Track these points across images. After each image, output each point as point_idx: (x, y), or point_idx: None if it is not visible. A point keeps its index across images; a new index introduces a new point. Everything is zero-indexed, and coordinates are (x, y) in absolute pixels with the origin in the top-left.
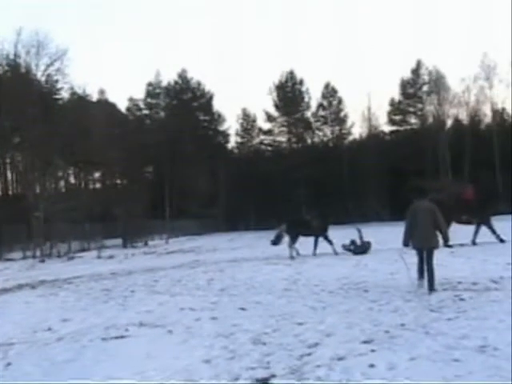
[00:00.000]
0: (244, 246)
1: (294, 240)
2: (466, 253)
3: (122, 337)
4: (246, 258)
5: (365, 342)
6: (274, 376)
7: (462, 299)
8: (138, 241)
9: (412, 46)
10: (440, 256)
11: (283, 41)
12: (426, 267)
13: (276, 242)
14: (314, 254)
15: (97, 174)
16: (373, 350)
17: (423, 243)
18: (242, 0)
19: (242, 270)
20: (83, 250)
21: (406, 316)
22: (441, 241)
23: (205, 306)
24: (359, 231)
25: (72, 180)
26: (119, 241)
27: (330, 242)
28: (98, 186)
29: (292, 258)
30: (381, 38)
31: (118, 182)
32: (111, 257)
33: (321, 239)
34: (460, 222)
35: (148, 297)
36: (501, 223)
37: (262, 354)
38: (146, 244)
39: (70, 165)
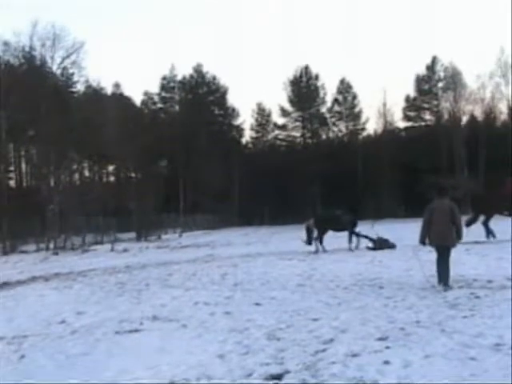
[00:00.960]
0: (258, 240)
1: (322, 235)
2: (481, 250)
3: (135, 331)
4: (260, 253)
5: (379, 339)
6: (287, 372)
7: (477, 297)
8: (151, 234)
9: (428, 41)
10: (455, 253)
11: (299, 36)
12: (441, 264)
13: (309, 240)
14: (351, 249)
15: (111, 168)
16: (387, 347)
17: (441, 241)
18: None
19: (256, 264)
20: (97, 243)
21: (421, 313)
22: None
23: (219, 300)
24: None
25: (86, 173)
26: (133, 234)
27: (358, 237)
28: (111, 179)
29: (316, 252)
30: (396, 34)
31: (132, 175)
32: (125, 250)
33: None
34: (502, 214)
35: (162, 291)
36: None
37: (276, 350)
38: (159, 238)
39: (84, 158)
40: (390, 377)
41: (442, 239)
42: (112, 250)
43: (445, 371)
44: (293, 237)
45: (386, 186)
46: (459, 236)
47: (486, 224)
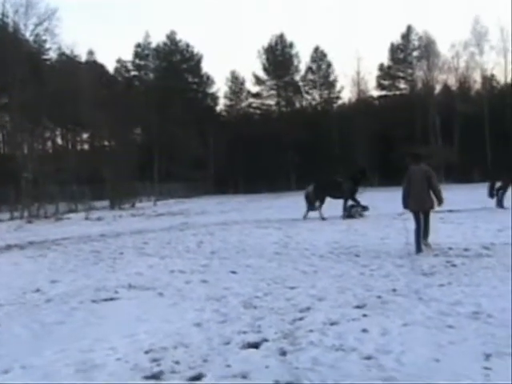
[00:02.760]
0: (233, 209)
1: (321, 202)
2: (455, 219)
3: (111, 299)
4: (236, 222)
5: (357, 307)
6: (265, 340)
7: (453, 265)
8: (125, 203)
9: (402, 10)
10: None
11: (273, 3)
12: (423, 226)
13: (310, 207)
14: (343, 218)
15: (85, 136)
16: (365, 315)
17: (419, 205)
18: None
19: (231, 233)
20: (71, 211)
21: (397, 281)
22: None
23: (195, 268)
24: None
25: (59, 141)
26: (107, 203)
27: (358, 204)
28: (85, 147)
29: (305, 218)
30: (371, 2)
31: (106, 143)
32: (99, 218)
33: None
34: None
35: (137, 259)
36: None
37: (253, 318)
38: (133, 206)
39: (57, 126)
40: (368, 345)
41: (420, 204)
42: (86, 218)
43: (423, 339)
44: (267, 205)
45: (361, 155)
46: (439, 199)
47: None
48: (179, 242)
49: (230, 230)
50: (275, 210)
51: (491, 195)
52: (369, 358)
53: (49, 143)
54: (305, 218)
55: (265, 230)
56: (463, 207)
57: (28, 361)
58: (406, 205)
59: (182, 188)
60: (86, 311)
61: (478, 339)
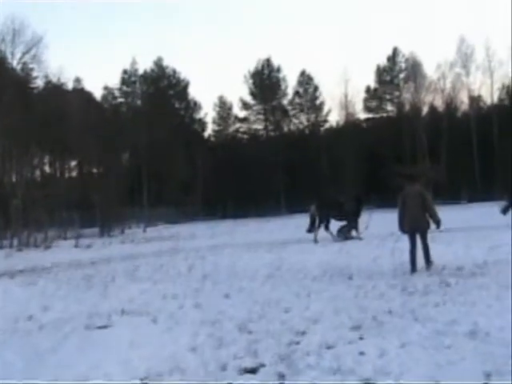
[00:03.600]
0: (223, 233)
1: (323, 223)
2: (446, 238)
3: (104, 325)
4: (226, 245)
5: (353, 329)
6: (263, 365)
7: (447, 285)
8: (115, 229)
9: (388, 32)
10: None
11: (260, 28)
12: (422, 248)
13: (310, 228)
14: (360, 238)
15: (73, 163)
16: (362, 337)
17: (415, 226)
18: None
19: (222, 256)
20: (60, 238)
21: (392, 302)
22: (433, 225)
23: (188, 293)
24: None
25: (47, 169)
26: (96, 230)
27: (357, 229)
28: (73, 174)
29: (316, 241)
30: (357, 25)
31: (95, 170)
32: (89, 246)
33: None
34: None
35: (129, 284)
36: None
37: (249, 342)
38: (123, 232)
39: (46, 153)
40: (366, 366)
41: (415, 224)
42: (76, 245)
43: (421, 360)
44: (257, 229)
45: (349, 178)
46: (435, 221)
47: None
48: (170, 267)
49: (220, 254)
50: (265, 233)
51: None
52: (368, 380)
53: (37, 171)
54: (316, 241)
55: (256, 253)
56: (454, 226)
57: None
58: (402, 228)
59: (171, 212)
60: (80, 338)
61: (477, 358)
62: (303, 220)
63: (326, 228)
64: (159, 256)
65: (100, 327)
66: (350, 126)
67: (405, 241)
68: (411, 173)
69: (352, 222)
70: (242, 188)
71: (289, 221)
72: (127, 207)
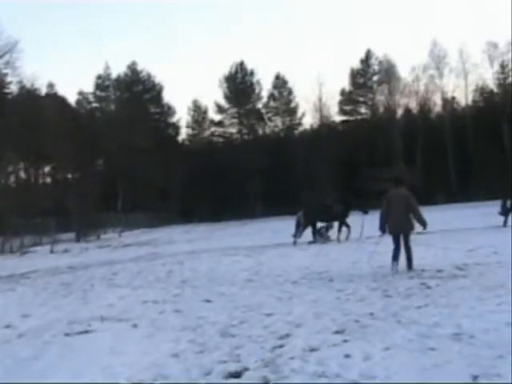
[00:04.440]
0: (200, 237)
1: (309, 227)
2: (425, 240)
3: (85, 332)
4: (204, 250)
5: (336, 333)
6: (247, 369)
7: (428, 287)
8: (91, 235)
9: (362, 34)
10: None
11: (234, 31)
12: (404, 250)
13: (296, 233)
14: (338, 240)
15: (47, 169)
16: (345, 341)
17: (399, 229)
18: None
19: (201, 261)
20: (36, 244)
21: (374, 305)
22: (419, 227)
23: (167, 298)
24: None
25: (22, 175)
26: (72, 235)
27: (348, 228)
28: (48, 180)
29: (295, 243)
30: (331, 27)
31: (69, 176)
32: (65, 251)
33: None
34: None
35: (108, 290)
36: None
37: (231, 347)
38: (98, 238)
39: (20, 159)
40: (352, 370)
41: (400, 227)
42: (52, 251)
43: (406, 363)
44: (234, 233)
45: (325, 180)
46: (422, 223)
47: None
48: (149, 272)
49: (199, 259)
50: (242, 238)
51: (504, 213)
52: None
53: (12, 177)
54: (295, 243)
55: (234, 258)
56: (432, 229)
57: None
58: (383, 228)
59: (147, 218)
60: (60, 345)
61: (463, 361)
62: (279, 224)
63: (314, 233)
64: (137, 262)
65: (80, 333)
66: (325, 129)
67: (383, 244)
68: (398, 176)
69: (341, 224)
70: (218, 192)
71: (265, 224)
72: (102, 213)
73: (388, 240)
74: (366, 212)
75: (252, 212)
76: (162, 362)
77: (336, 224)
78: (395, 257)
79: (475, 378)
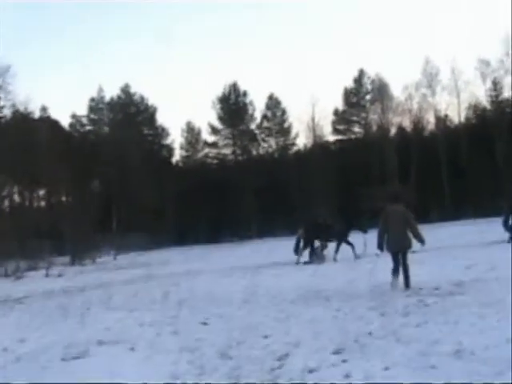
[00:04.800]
0: (196, 258)
1: (308, 245)
2: (419, 258)
3: (82, 356)
4: (200, 271)
5: (335, 353)
6: None
7: (426, 305)
8: (85, 258)
9: (354, 54)
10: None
11: (226, 53)
12: (402, 268)
13: (296, 249)
14: (335, 259)
15: (41, 192)
16: (345, 360)
17: (398, 246)
18: (181, 12)
19: (197, 282)
20: (31, 268)
21: (372, 324)
22: (418, 244)
23: (164, 320)
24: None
25: (16, 198)
26: (67, 259)
27: (352, 246)
28: (42, 203)
29: (297, 263)
30: (323, 47)
31: (64, 198)
32: (60, 275)
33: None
34: None
35: (105, 313)
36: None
37: (230, 368)
38: (94, 262)
39: (14, 183)
40: None
41: (399, 244)
42: (47, 275)
43: (408, 381)
44: (229, 254)
45: (320, 200)
46: (420, 240)
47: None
48: (145, 294)
49: (194, 280)
50: (238, 258)
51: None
52: None
53: (6, 201)
54: (297, 262)
55: (230, 279)
56: (427, 247)
57: None
58: (381, 246)
59: (142, 240)
60: (57, 370)
61: (465, 379)
62: (274, 244)
63: (311, 253)
64: (132, 283)
65: (77, 357)
66: (318, 148)
67: (379, 262)
68: (395, 192)
69: (341, 242)
70: (213, 214)
71: (260, 245)
72: (97, 235)
73: (384, 258)
74: (365, 231)
75: (247, 232)
76: None
77: (331, 243)
78: (395, 272)
79: None
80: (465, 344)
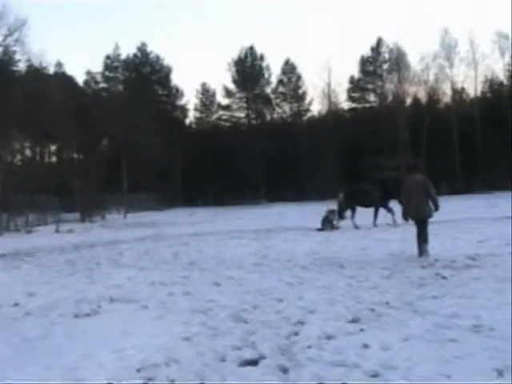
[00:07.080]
0: (204, 220)
1: (346, 209)
2: (432, 230)
3: (94, 312)
4: (209, 232)
5: (352, 321)
6: (263, 357)
7: (443, 277)
8: (95, 215)
9: (372, 22)
10: (407, 234)
11: (243, 16)
12: (419, 236)
13: (340, 214)
14: (375, 225)
15: (53, 148)
16: (362, 329)
17: (418, 213)
18: None
19: (207, 244)
20: (40, 223)
21: (387, 293)
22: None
23: (176, 280)
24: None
25: (28, 153)
26: (76, 215)
27: (392, 212)
28: (53, 159)
29: (357, 227)
30: (342, 14)
31: (75, 155)
32: (70, 231)
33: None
34: None
35: (115, 270)
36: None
37: (245, 332)
38: (103, 218)
39: (26, 138)
40: (371, 361)
41: (418, 212)
42: (57, 231)
43: (426, 354)
44: (238, 216)
45: (329, 167)
46: (436, 207)
47: None
48: (155, 253)
49: (204, 241)
50: (247, 221)
51: None
52: (375, 375)
53: (18, 155)
54: (336, 227)
55: (240, 241)
56: (436, 219)
57: (13, 377)
58: (405, 215)
59: (150, 199)
60: (68, 325)
61: (484, 353)
62: (283, 209)
63: (352, 216)
64: (142, 242)
65: (89, 314)
66: (332, 116)
67: (391, 233)
68: (414, 163)
69: (381, 208)
70: (223, 176)
71: (269, 210)
72: (107, 193)
73: (394, 229)
74: (401, 201)
75: (255, 197)
76: (174, 345)
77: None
78: (424, 239)
79: (500, 372)
80: (483, 319)
